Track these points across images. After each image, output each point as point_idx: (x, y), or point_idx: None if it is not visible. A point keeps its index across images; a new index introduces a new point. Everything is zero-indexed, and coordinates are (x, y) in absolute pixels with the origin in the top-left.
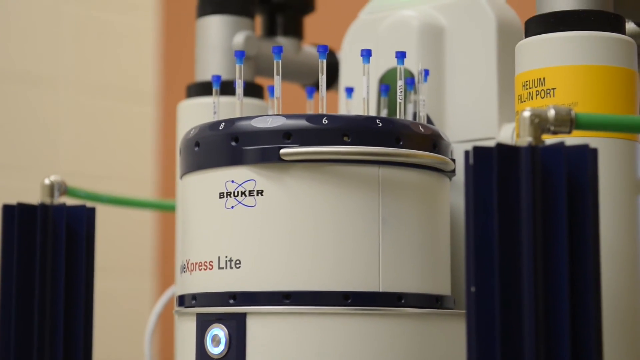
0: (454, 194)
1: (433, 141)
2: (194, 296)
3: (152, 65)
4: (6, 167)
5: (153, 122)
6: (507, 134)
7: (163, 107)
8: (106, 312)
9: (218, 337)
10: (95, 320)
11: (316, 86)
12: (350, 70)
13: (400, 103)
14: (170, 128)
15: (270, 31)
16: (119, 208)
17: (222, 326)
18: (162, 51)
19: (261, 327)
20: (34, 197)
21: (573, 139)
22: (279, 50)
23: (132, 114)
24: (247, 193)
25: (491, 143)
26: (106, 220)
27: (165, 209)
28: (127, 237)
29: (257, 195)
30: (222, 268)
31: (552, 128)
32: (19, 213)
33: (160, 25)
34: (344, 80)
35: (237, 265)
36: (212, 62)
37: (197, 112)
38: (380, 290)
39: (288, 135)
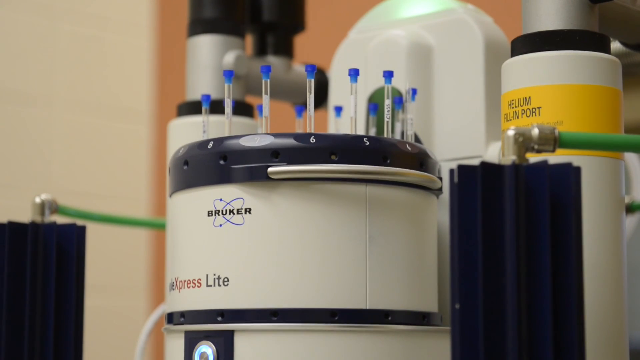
0: (441, 212)
1: (420, 160)
2: (183, 314)
3: (145, 84)
4: None
5: (146, 140)
6: (494, 153)
7: (156, 125)
8: (99, 330)
9: (206, 354)
10: (87, 338)
11: (305, 105)
12: (339, 89)
13: (388, 122)
14: (164, 147)
15: (261, 50)
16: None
17: (210, 343)
18: (155, 70)
19: (249, 345)
20: (26, 215)
21: (557, 157)
22: (267, 69)
23: (125, 132)
24: (235, 211)
25: (478, 161)
26: (99, 239)
27: (157, 227)
28: (120, 255)
29: (245, 213)
30: (210, 286)
31: (536, 147)
32: (9, 231)
33: (154, 45)
34: (333, 99)
35: (225, 283)
36: (202, 82)
37: (187, 131)
38: (367, 308)
39: (276, 154)
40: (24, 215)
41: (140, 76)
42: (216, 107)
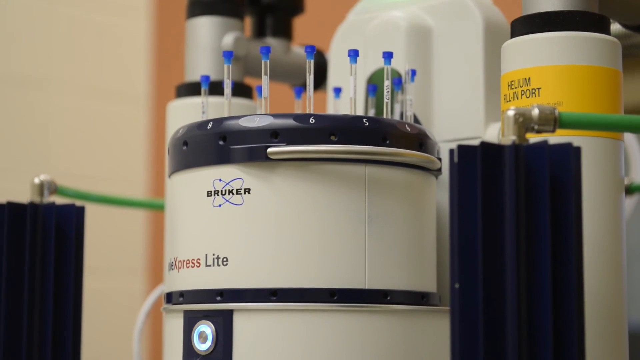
0: (440, 193)
1: (420, 140)
2: (182, 293)
3: (144, 67)
4: None
5: (145, 123)
6: (494, 134)
7: (155, 108)
8: (98, 312)
9: (205, 333)
10: (86, 320)
11: (304, 86)
12: (338, 70)
13: (387, 103)
14: (162, 129)
15: (260, 32)
16: (111, 209)
17: (209, 323)
18: (154, 53)
19: (248, 324)
20: (26, 198)
21: (557, 138)
22: (266, 50)
23: (124, 115)
24: (234, 191)
25: (477, 142)
26: (98, 221)
27: (155, 208)
28: (119, 237)
29: (245, 193)
30: (210, 265)
31: (536, 127)
32: (8, 212)
33: (153, 28)
34: (332, 81)
35: (225, 263)
36: (201, 63)
37: (186, 112)
38: (366, 288)
39: (275, 135)
40: (23, 198)
41: (138, 59)
42: (215, 88)
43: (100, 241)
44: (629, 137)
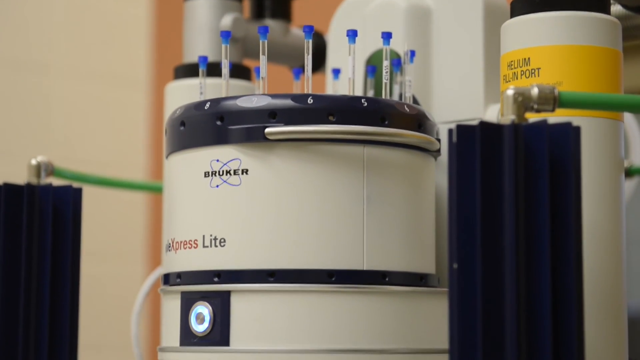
0: (439, 174)
1: (418, 121)
2: (179, 274)
3: (143, 51)
4: None
5: (144, 108)
6: (493, 115)
7: (155, 92)
8: (98, 297)
9: (202, 315)
10: (85, 305)
11: (303, 68)
12: (337, 52)
13: (386, 83)
14: (162, 114)
15: (259, 14)
16: (110, 193)
17: (207, 304)
18: (153, 38)
19: (245, 305)
20: (24, 181)
21: (557, 118)
22: (264, 30)
23: (123, 99)
24: (232, 172)
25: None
26: (97, 205)
27: (153, 190)
28: (118, 221)
29: (242, 174)
30: (207, 246)
31: (535, 106)
32: (5, 193)
33: (152, 12)
34: (331, 62)
35: (222, 244)
36: (199, 44)
37: (184, 94)
38: (365, 269)
39: (273, 115)
40: (23, 182)
41: (138, 43)
42: (213, 69)
43: (99, 226)
44: (628, 120)
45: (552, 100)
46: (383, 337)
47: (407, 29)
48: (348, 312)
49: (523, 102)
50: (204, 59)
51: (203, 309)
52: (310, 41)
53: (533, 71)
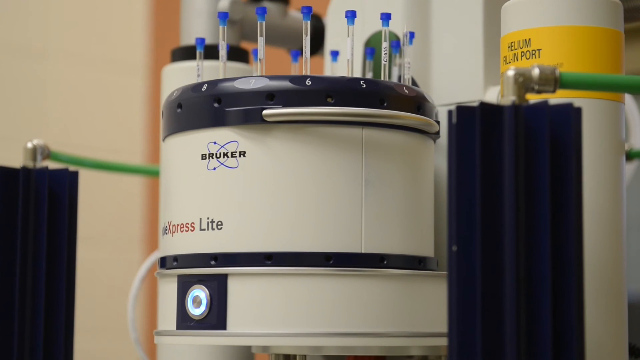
0: (438, 157)
1: (417, 103)
2: (176, 258)
3: (141, 36)
4: None
5: (142, 93)
6: (493, 97)
7: (153, 77)
8: (94, 281)
9: (199, 298)
10: (82, 289)
11: (301, 50)
12: (336, 34)
13: (385, 65)
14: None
15: None
16: (107, 177)
17: (203, 287)
18: (151, 22)
19: (242, 288)
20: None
21: (558, 99)
22: (262, 11)
23: (121, 85)
24: (229, 154)
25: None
26: (94, 189)
27: (150, 173)
28: (115, 206)
29: (240, 156)
30: (204, 229)
31: (536, 87)
32: (0, 176)
33: None
34: (329, 45)
35: (219, 227)
36: (197, 27)
37: (181, 76)
38: (363, 252)
39: (271, 97)
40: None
41: (136, 27)
42: (211, 52)
43: (96, 211)
44: (629, 103)
45: (553, 81)
46: (381, 320)
47: (406, 10)
48: (346, 296)
49: (524, 82)
50: (201, 40)
51: (200, 292)
52: (309, 22)
53: (534, 52)
